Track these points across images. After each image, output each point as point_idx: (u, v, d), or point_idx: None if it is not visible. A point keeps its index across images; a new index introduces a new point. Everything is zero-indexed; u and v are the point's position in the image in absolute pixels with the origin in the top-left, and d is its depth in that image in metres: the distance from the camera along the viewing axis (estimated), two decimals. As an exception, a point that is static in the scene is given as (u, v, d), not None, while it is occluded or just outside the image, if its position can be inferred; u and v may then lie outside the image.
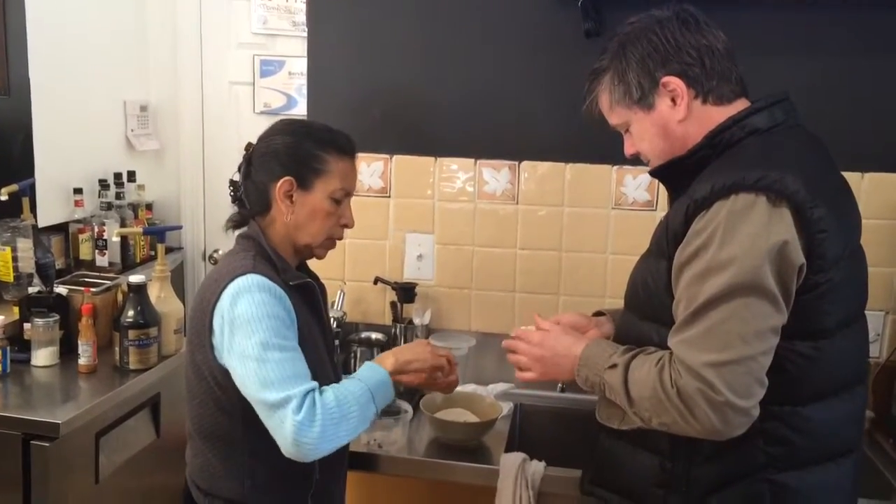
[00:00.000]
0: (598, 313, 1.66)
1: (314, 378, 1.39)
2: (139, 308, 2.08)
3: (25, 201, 2.39)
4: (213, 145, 3.04)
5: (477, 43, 2.17)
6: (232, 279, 1.40)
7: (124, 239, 2.67)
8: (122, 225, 2.69)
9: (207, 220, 3.08)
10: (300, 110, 2.86)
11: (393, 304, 2.22)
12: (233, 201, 1.59)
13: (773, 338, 1.22)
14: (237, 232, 1.57)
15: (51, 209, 2.54)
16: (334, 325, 2.09)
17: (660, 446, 1.36)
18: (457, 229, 2.24)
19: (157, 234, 2.47)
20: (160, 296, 2.19)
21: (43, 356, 2.10)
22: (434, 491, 1.85)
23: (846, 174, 1.40)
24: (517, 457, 1.76)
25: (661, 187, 2.12)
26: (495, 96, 2.18)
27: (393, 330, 2.21)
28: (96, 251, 2.62)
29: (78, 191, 2.61)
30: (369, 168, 2.24)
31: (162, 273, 2.22)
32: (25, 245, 2.26)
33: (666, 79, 1.34)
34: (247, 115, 3.02)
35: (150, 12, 2.95)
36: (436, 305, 2.26)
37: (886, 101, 2.04)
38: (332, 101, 2.22)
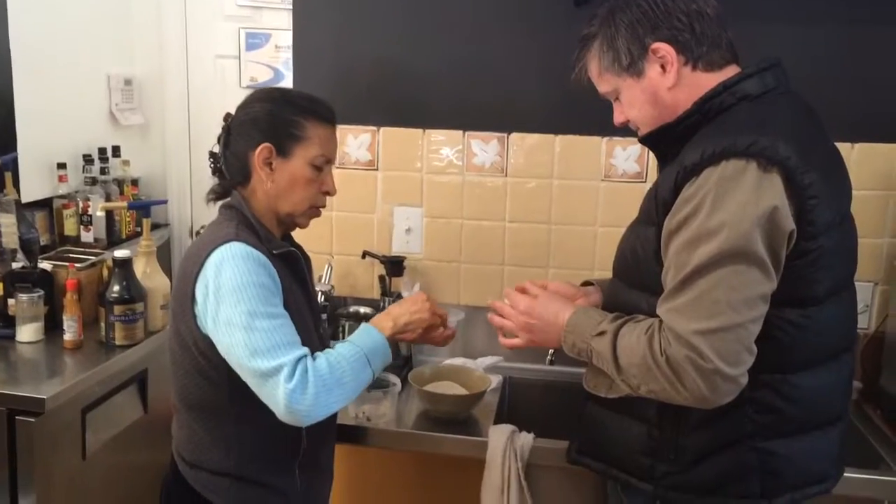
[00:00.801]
0: (587, 283, 1.65)
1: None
2: (124, 283, 2.06)
3: (8, 176, 2.35)
4: (199, 120, 2.98)
5: (465, 12, 2.15)
6: (215, 248, 1.38)
7: (109, 215, 2.63)
8: (108, 201, 2.65)
9: (194, 196, 3.04)
10: (287, 84, 2.82)
11: (381, 278, 2.21)
12: (213, 173, 1.57)
13: (762, 305, 1.21)
14: (219, 204, 1.55)
15: (34, 184, 2.49)
16: (322, 299, 2.07)
17: (647, 415, 1.36)
18: (445, 202, 2.23)
19: (142, 208, 2.45)
20: (146, 271, 2.17)
21: (27, 332, 2.08)
22: (423, 463, 1.85)
23: (836, 144, 1.39)
24: (506, 429, 1.76)
25: (651, 159, 2.12)
26: (484, 67, 2.16)
27: (381, 304, 2.20)
28: (81, 227, 2.58)
29: (62, 166, 2.56)
30: (356, 140, 2.22)
31: (147, 248, 2.20)
32: (9, 220, 2.23)
33: (655, 45, 1.32)
34: (233, 90, 2.95)
35: (133, -17, 2.89)
36: (424, 279, 2.24)
37: (877, 71, 2.03)
38: (318, 73, 2.19)
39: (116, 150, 2.78)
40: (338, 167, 2.20)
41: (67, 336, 2.05)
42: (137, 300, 2.08)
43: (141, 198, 2.86)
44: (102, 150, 2.71)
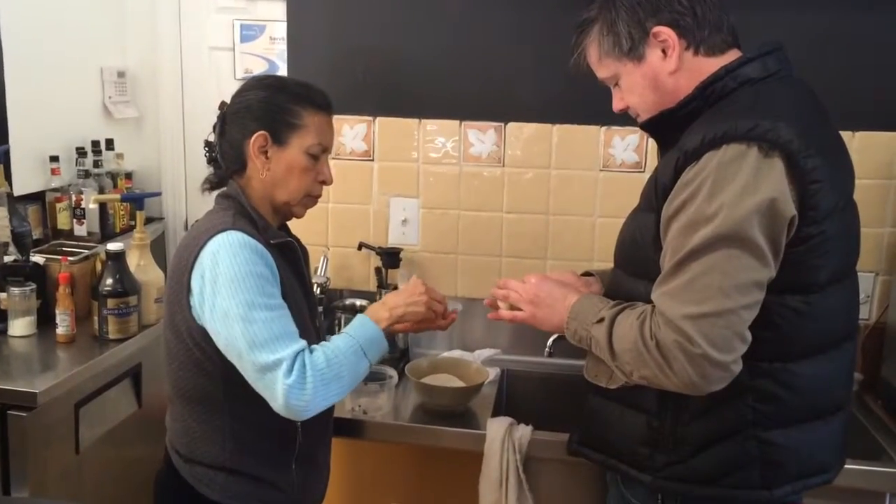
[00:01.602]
0: (587, 273, 1.63)
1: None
2: (118, 276, 2.04)
3: (0, 169, 2.33)
4: (194, 113, 2.96)
5: (461, 1, 2.12)
6: (211, 237, 1.36)
7: (103, 208, 2.61)
8: (101, 194, 2.63)
9: (189, 190, 3.02)
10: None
11: (377, 270, 2.18)
12: (208, 162, 1.55)
13: (756, 292, 1.19)
14: (215, 194, 1.53)
15: (26, 177, 2.47)
16: (318, 292, 2.05)
17: (647, 405, 1.34)
18: (442, 193, 2.21)
19: (135, 200, 2.42)
20: (140, 264, 2.15)
21: (19, 326, 2.05)
22: (420, 456, 1.84)
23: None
24: (504, 421, 1.74)
25: (651, 148, 2.10)
26: (480, 56, 2.13)
27: (377, 296, 2.17)
28: (74, 220, 2.56)
29: (54, 159, 2.54)
30: (352, 130, 2.20)
31: (141, 241, 2.18)
32: (0, 213, 2.21)
33: (657, 29, 1.30)
34: (227, 82, 2.93)
35: (126, -25, 2.87)
36: (421, 271, 2.22)
37: (878, 58, 2.02)
38: (313, 63, 2.17)
39: (110, 144, 2.75)
40: (333, 158, 2.17)
41: (60, 330, 2.03)
42: (131, 293, 2.06)
43: (135, 191, 2.83)
44: (96, 143, 2.69)
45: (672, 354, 1.18)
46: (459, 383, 1.90)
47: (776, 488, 1.31)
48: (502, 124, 2.15)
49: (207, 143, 1.54)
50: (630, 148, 2.11)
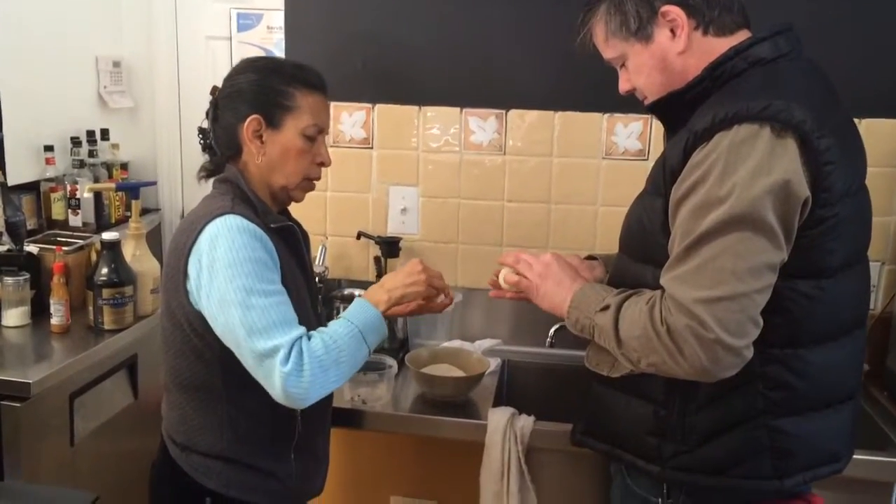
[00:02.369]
0: (591, 258, 1.60)
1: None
2: (113, 266, 2.02)
3: (-7, 158, 2.31)
4: (190, 103, 2.95)
5: (462, -15, 2.09)
6: (209, 221, 1.33)
7: (98, 198, 2.59)
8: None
9: (185, 181, 3.00)
10: (280, 65, 2.77)
11: (376, 259, 2.16)
12: (203, 150, 1.52)
13: (769, 275, 1.16)
14: (212, 180, 1.50)
15: (21, 167, 2.45)
16: (316, 281, 2.02)
17: (654, 393, 1.31)
18: (442, 181, 2.18)
19: (130, 189, 2.40)
20: (135, 254, 2.13)
21: (13, 316, 2.04)
22: (420, 447, 1.81)
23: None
24: (505, 411, 1.71)
25: (654, 136, 2.07)
26: (481, 41, 2.10)
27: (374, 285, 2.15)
28: (69, 210, 2.54)
29: (49, 148, 2.52)
30: (351, 118, 2.17)
31: (137, 230, 2.15)
32: (-7, 203, 2.18)
33: (665, 8, 1.27)
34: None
35: (121, -36, 2.84)
36: (420, 259, 2.19)
37: (885, 45, 1.99)
38: (311, 49, 2.13)
39: (105, 134, 2.73)
40: (332, 146, 2.15)
41: (54, 320, 2.01)
42: (126, 283, 2.04)
43: (130, 181, 2.81)
44: (91, 133, 2.67)
45: (683, 339, 1.15)
46: (460, 373, 1.87)
47: (787, 478, 1.28)
48: (503, 111, 2.12)
49: (201, 130, 1.51)
50: (633, 135, 2.08)
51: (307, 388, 1.27)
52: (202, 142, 1.51)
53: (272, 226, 1.40)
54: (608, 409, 1.39)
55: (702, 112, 1.23)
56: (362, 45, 2.14)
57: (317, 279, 2.02)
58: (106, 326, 2.04)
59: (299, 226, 1.56)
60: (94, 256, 2.17)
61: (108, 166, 2.72)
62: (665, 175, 1.25)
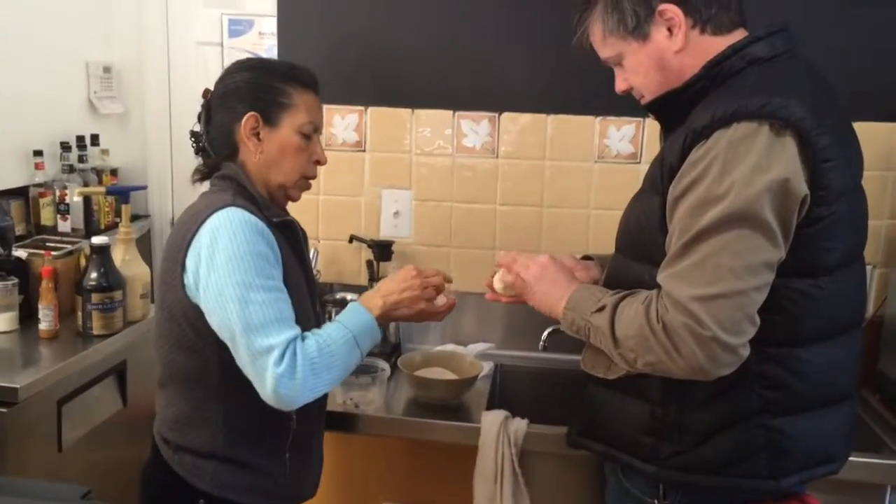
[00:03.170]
0: (587, 258, 1.60)
1: (297, 322, 1.33)
2: (102, 270, 2.00)
3: (-19, 162, 2.29)
4: (180, 109, 2.92)
5: (454, -11, 2.10)
6: (211, 213, 1.32)
7: (87, 204, 2.57)
8: (86, 188, 2.58)
9: (175, 187, 2.97)
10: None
11: (369, 263, 2.15)
12: (196, 153, 1.51)
13: (767, 273, 1.16)
14: (203, 185, 1.49)
15: (10, 172, 2.43)
16: (315, 279, 2.01)
17: (650, 393, 1.31)
18: (435, 185, 2.17)
19: (120, 193, 2.38)
20: (125, 259, 2.10)
21: (1, 321, 2.01)
22: (413, 450, 1.80)
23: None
24: (499, 414, 1.70)
25: (646, 139, 2.08)
26: (474, 45, 2.11)
27: (369, 290, 2.14)
28: (58, 216, 2.51)
29: (38, 153, 2.49)
30: (343, 121, 2.16)
31: (126, 235, 2.13)
32: (-19, 207, 2.16)
33: (663, 6, 1.27)
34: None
35: (112, -32, 2.83)
36: (413, 264, 2.15)
37: (878, 49, 2.00)
38: (304, 52, 2.13)
39: (95, 139, 2.71)
40: (324, 148, 2.13)
41: (43, 325, 1.99)
42: (116, 288, 2.02)
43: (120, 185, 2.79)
44: (80, 139, 2.65)
45: (680, 337, 1.15)
46: (453, 376, 1.86)
47: (783, 478, 1.28)
48: (496, 115, 2.12)
49: (193, 134, 1.51)
50: (626, 138, 2.09)
51: (298, 390, 1.26)
52: (195, 145, 1.51)
53: (274, 220, 1.39)
54: (604, 410, 1.39)
55: (700, 110, 1.23)
56: (354, 49, 2.14)
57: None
58: (95, 332, 2.01)
59: (298, 224, 1.55)
60: (83, 261, 2.15)
61: (98, 172, 2.70)
62: (663, 172, 1.25)
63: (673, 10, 1.27)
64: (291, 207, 1.53)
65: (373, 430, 1.75)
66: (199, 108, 1.49)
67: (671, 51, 1.29)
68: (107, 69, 2.85)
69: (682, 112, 1.27)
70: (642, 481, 1.36)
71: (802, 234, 1.18)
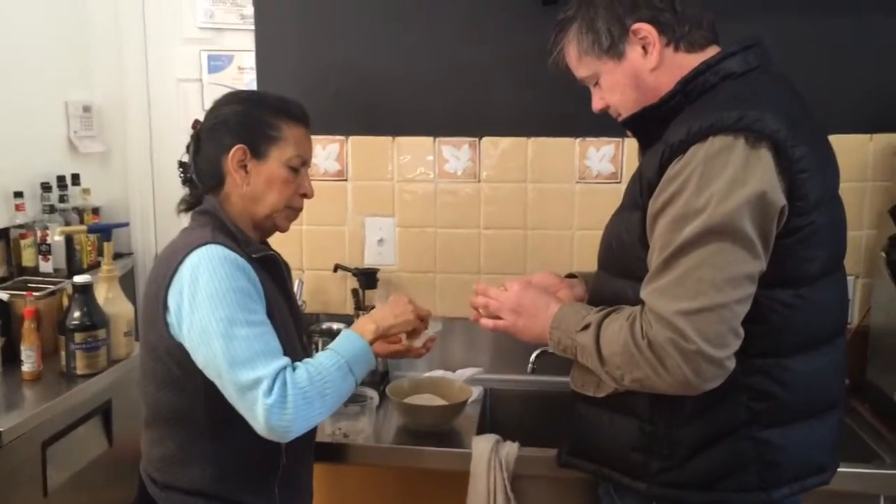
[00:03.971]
0: (571, 275, 1.60)
1: (284, 355, 1.31)
2: (85, 309, 1.98)
3: (-40, 205, 2.27)
4: (162, 146, 2.92)
5: (431, 16, 2.12)
6: (190, 251, 1.32)
7: (70, 243, 2.54)
8: (67, 228, 2.56)
9: (158, 224, 2.96)
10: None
11: (354, 292, 2.14)
12: (183, 183, 1.51)
13: (748, 285, 1.17)
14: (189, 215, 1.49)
15: (-11, 214, 2.41)
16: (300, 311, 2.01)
17: (639, 409, 1.30)
18: (418, 211, 2.18)
19: (102, 231, 2.36)
20: (108, 296, 2.09)
21: (-17, 364, 1.98)
22: (404, 479, 1.78)
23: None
24: (490, 439, 1.69)
25: (626, 158, 2.10)
26: (452, 71, 2.13)
27: (355, 318, 2.12)
28: (40, 257, 2.49)
29: (18, 194, 2.48)
30: (325, 151, 2.17)
31: (109, 273, 2.12)
32: (-39, 250, 2.14)
33: (636, 26, 1.29)
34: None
35: (91, 7, 2.84)
36: (399, 291, 2.18)
37: (849, 61, 2.03)
38: (282, 82, 2.16)
39: (76, 179, 2.70)
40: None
41: (26, 367, 1.96)
42: (99, 326, 2.00)
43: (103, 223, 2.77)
44: (61, 179, 2.63)
45: (665, 352, 1.15)
46: (442, 402, 1.85)
47: (774, 490, 1.27)
48: (477, 139, 2.14)
49: (181, 164, 1.51)
50: (605, 158, 2.11)
51: (291, 420, 1.24)
52: (182, 175, 1.51)
53: (254, 256, 1.39)
54: (593, 428, 1.38)
55: (676, 125, 1.24)
56: (333, 78, 2.16)
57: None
58: (79, 371, 1.99)
59: (280, 256, 1.54)
60: (65, 301, 2.13)
61: (80, 211, 2.68)
62: (642, 188, 1.26)
63: (647, 29, 1.29)
64: (276, 237, 1.53)
65: (363, 459, 1.74)
66: (179, 144, 1.50)
67: (646, 69, 1.30)
68: (86, 108, 2.84)
69: (659, 128, 1.28)
70: (634, 499, 1.35)
71: (782, 244, 1.19)
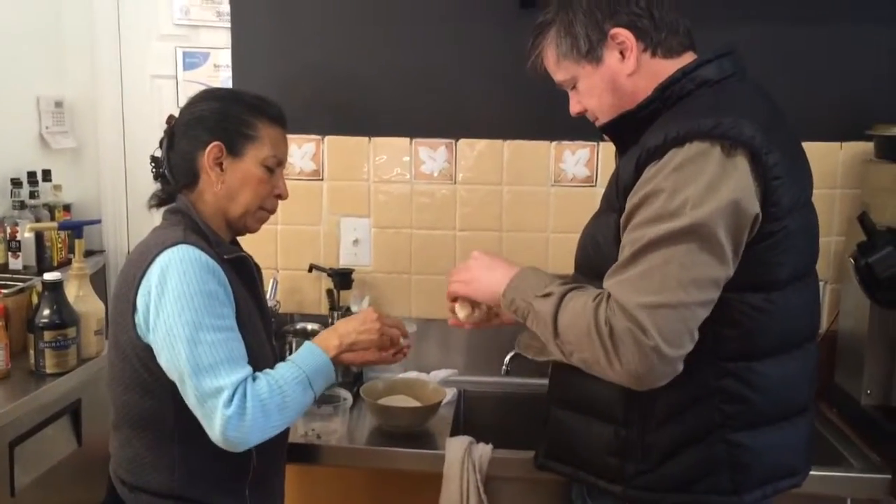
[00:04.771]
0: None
1: (252, 360, 1.31)
2: (55, 307, 1.95)
3: (-73, 200, 2.23)
4: (135, 143, 2.89)
5: (408, 17, 2.12)
6: (161, 251, 1.30)
7: (40, 240, 2.51)
8: (37, 224, 2.52)
9: (130, 222, 2.93)
10: (226, 103, 2.75)
11: (329, 292, 2.14)
12: (155, 178, 1.49)
13: (712, 290, 1.18)
14: (162, 210, 1.47)
15: (-43, 210, 2.37)
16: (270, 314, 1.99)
17: (613, 413, 1.31)
18: (394, 212, 2.18)
19: (73, 228, 2.34)
20: (79, 294, 2.06)
21: (-52, 362, 1.94)
22: (377, 480, 1.78)
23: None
24: (463, 440, 1.69)
25: (601, 162, 2.11)
26: (429, 72, 2.13)
27: (329, 319, 2.13)
28: (9, 253, 2.46)
29: (-13, 190, 2.44)
30: (300, 150, 2.16)
31: (80, 270, 2.09)
32: (-73, 245, 2.10)
33: (614, 31, 1.30)
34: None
35: (64, 1, 2.80)
36: (374, 292, 2.18)
37: (820, 69, 2.06)
38: (258, 82, 2.13)
39: (47, 175, 2.67)
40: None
41: (-7, 365, 1.93)
42: (69, 325, 1.97)
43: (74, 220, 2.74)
44: (32, 175, 2.60)
45: (622, 342, 1.15)
46: (416, 403, 1.85)
47: (745, 493, 1.29)
48: (453, 141, 2.14)
49: (154, 159, 1.49)
50: (581, 162, 2.12)
51: (248, 431, 1.25)
52: (155, 170, 1.49)
53: (225, 257, 1.38)
54: (569, 432, 1.39)
55: (653, 130, 1.25)
56: (310, 78, 2.15)
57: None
58: (48, 370, 1.96)
59: (252, 259, 1.53)
60: (35, 299, 2.10)
61: (51, 208, 2.65)
62: (618, 191, 1.27)
63: (624, 34, 1.30)
64: (250, 237, 1.52)
65: (336, 460, 1.73)
66: (154, 140, 1.48)
67: (624, 74, 1.31)
68: (58, 104, 2.81)
69: (636, 133, 1.29)
70: (610, 502, 1.36)
71: (753, 249, 1.20)
